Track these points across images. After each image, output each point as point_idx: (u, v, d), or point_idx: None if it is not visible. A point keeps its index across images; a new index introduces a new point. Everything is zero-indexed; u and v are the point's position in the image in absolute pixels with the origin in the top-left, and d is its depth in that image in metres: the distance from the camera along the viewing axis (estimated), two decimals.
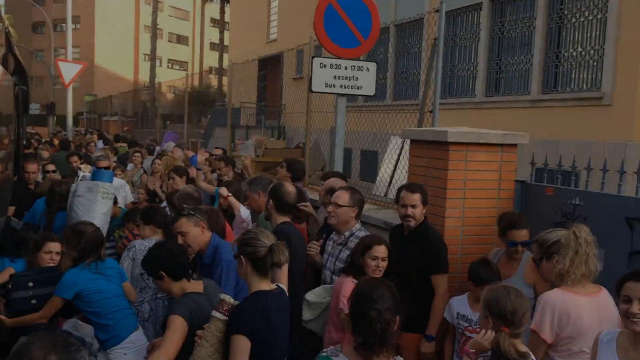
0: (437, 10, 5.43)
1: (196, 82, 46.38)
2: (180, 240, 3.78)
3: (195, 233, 3.82)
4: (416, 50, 15.54)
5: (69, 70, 17.21)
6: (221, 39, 41.23)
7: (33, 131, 20.62)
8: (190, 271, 3.43)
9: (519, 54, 12.15)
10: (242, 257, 3.02)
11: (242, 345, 2.83)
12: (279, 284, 3.17)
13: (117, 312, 3.81)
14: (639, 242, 3.45)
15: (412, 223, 3.93)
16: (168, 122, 28.07)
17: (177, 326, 3.06)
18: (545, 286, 3.36)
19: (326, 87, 5.59)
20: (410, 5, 15.14)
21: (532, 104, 11.55)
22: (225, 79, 33.18)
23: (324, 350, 2.59)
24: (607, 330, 2.68)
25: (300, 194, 5.10)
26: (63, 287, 3.73)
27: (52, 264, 4.14)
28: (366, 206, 4.75)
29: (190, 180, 6.37)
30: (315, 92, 5.74)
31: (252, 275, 3.01)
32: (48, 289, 3.83)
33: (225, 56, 34.33)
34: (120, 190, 6.65)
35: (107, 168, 6.84)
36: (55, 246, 4.20)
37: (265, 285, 3.02)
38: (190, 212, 3.93)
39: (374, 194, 6.72)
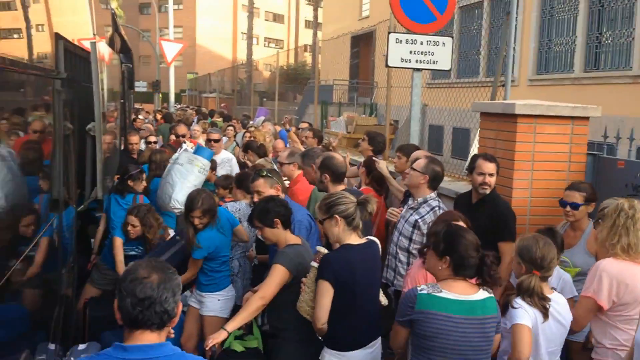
0: None
1: (292, 60, 47.15)
2: (255, 198, 4.23)
3: (270, 194, 4.19)
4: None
5: (170, 50, 18.21)
6: (315, 17, 41.66)
7: (140, 107, 21.98)
8: None
9: (620, 28, 11.63)
10: (335, 216, 3.32)
11: (325, 290, 3.21)
12: (370, 237, 3.52)
13: (225, 264, 4.39)
14: None
15: (488, 191, 4.09)
16: (264, 99, 28.88)
17: (277, 273, 3.42)
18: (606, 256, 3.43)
19: (402, 62, 5.76)
20: None
21: (634, 80, 11.04)
22: (319, 57, 33.69)
23: (416, 288, 2.85)
24: None
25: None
26: (202, 250, 4.23)
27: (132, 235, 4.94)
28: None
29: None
30: (391, 67, 5.92)
31: (343, 231, 3.33)
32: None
33: (319, 34, 34.74)
34: (226, 163, 7.17)
35: (217, 140, 7.38)
36: (133, 220, 4.99)
37: (354, 239, 3.35)
38: (268, 174, 4.32)
39: (464, 171, 6.76)
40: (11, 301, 2.65)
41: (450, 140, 12.70)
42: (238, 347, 3.61)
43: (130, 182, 5.51)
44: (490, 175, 4.05)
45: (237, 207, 4.92)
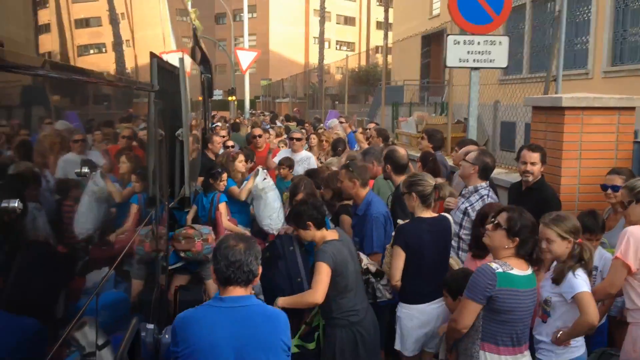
0: None
1: (363, 62, 47.51)
2: (338, 184, 4.82)
3: (347, 185, 4.69)
4: (581, 19, 15.02)
5: (245, 58, 19.04)
6: (386, 18, 41.85)
7: (216, 114, 23.01)
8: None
9: None
10: (412, 194, 3.99)
11: (397, 254, 3.91)
12: (442, 214, 4.18)
13: None
14: None
15: (530, 178, 4.42)
16: (336, 102, 29.37)
17: (323, 271, 3.77)
18: None
19: (460, 62, 6.11)
20: None
21: None
22: (390, 57, 33.90)
23: (490, 266, 3.11)
24: None
25: (435, 162, 5.75)
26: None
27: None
28: (499, 170, 5.26)
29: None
30: (449, 67, 6.27)
31: (418, 207, 3.99)
32: None
33: (390, 34, 34.93)
34: (305, 161, 7.73)
35: (299, 139, 8.01)
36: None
37: (427, 214, 4.00)
38: (350, 168, 4.74)
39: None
40: (120, 283, 3.15)
41: (522, 136, 12.74)
42: (293, 348, 4.06)
43: (211, 181, 6.11)
44: (533, 164, 4.37)
45: None
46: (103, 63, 3.09)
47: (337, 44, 59.65)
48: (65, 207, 2.16)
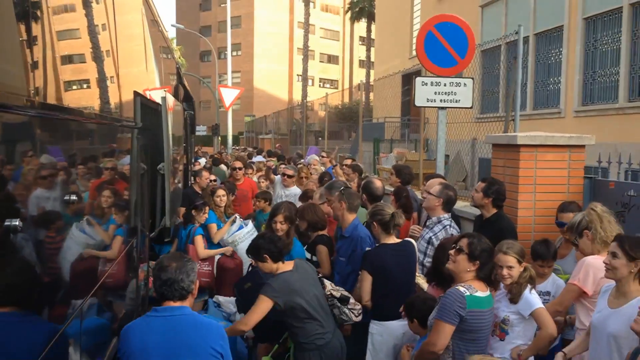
0: (516, 32, 6.11)
1: (346, 99, 48.30)
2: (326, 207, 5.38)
3: (335, 206, 5.13)
4: (553, 60, 15.67)
5: (229, 95, 19.43)
6: (368, 57, 42.82)
7: (199, 149, 23.30)
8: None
9: None
10: (374, 223, 4.45)
11: (364, 277, 4.38)
12: (406, 239, 4.63)
13: None
14: None
15: (471, 203, 4.77)
16: (319, 138, 29.79)
17: (260, 303, 3.93)
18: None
19: (427, 101, 6.50)
20: (550, 14, 15.41)
21: None
22: (372, 95, 34.59)
23: (458, 290, 3.34)
24: (608, 284, 3.36)
25: (407, 197, 6.08)
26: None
27: None
28: (462, 203, 5.58)
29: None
30: (418, 106, 6.65)
31: (381, 234, 4.45)
32: None
33: (372, 72, 35.70)
34: (294, 196, 7.93)
35: (291, 176, 8.35)
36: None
37: (390, 240, 4.45)
38: (343, 194, 5.11)
39: None
40: (102, 306, 3.35)
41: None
42: None
43: (194, 212, 6.35)
44: (476, 191, 4.82)
45: None
46: (88, 100, 3.37)
47: (320, 81, 60.65)
48: (51, 235, 2.39)
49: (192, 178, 9.00)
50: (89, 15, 3.21)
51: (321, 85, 59.32)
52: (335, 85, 60.83)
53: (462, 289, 3.35)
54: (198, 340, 2.90)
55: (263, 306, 3.94)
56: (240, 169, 8.89)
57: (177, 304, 2.95)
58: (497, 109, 17.63)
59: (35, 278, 2.16)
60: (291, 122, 30.51)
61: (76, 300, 2.71)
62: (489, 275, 3.50)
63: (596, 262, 3.71)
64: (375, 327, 4.43)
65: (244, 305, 4.57)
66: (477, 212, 5.91)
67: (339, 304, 4.32)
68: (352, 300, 4.39)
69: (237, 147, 27.77)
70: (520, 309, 3.62)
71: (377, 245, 4.56)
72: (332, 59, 63.08)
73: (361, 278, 4.44)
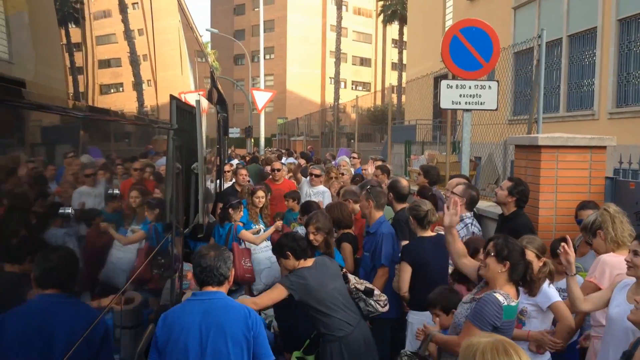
0: (539, 36, 6.20)
1: (378, 102, 48.36)
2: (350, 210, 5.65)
3: (363, 204, 5.41)
4: (587, 62, 15.57)
5: (261, 98, 19.76)
6: (400, 59, 42.81)
7: (232, 150, 23.70)
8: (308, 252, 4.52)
9: None
10: (410, 217, 4.80)
11: (404, 268, 4.69)
12: (439, 233, 4.83)
13: None
14: None
15: (494, 200, 5.06)
16: (352, 140, 29.94)
17: (275, 290, 4.20)
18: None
19: (453, 104, 6.64)
20: (583, 16, 15.31)
21: None
22: (404, 97, 34.64)
23: (497, 299, 3.25)
24: (625, 280, 3.46)
25: (434, 196, 6.23)
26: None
27: None
28: (486, 203, 5.71)
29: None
30: (443, 109, 6.79)
31: (417, 228, 4.79)
32: None
33: (404, 75, 35.72)
34: (320, 195, 8.22)
35: (318, 175, 8.59)
36: None
37: (426, 233, 4.79)
38: (369, 191, 5.36)
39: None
40: (136, 297, 3.61)
41: None
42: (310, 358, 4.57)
43: (230, 211, 6.59)
44: (500, 188, 4.91)
45: None
46: (127, 103, 3.64)
47: (352, 84, 60.80)
48: (99, 228, 2.70)
49: (233, 177, 9.30)
50: (127, 21, 3.47)
51: (353, 88, 59.45)
52: (368, 88, 60.89)
53: (500, 297, 3.26)
54: (229, 322, 3.15)
55: (277, 292, 4.17)
56: (279, 170, 9.11)
57: (215, 289, 3.22)
58: (529, 110, 17.60)
59: (81, 266, 2.40)
60: (323, 125, 30.77)
61: (116, 287, 2.96)
62: (522, 277, 3.40)
63: (612, 260, 3.82)
64: (415, 317, 4.67)
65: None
66: (499, 211, 6.05)
67: (364, 297, 4.49)
68: (376, 292, 4.56)
69: (269, 149, 28.15)
70: (538, 302, 3.75)
71: (415, 238, 4.85)
72: (364, 62, 63.18)
73: (400, 269, 4.73)
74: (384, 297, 4.57)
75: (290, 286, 4.16)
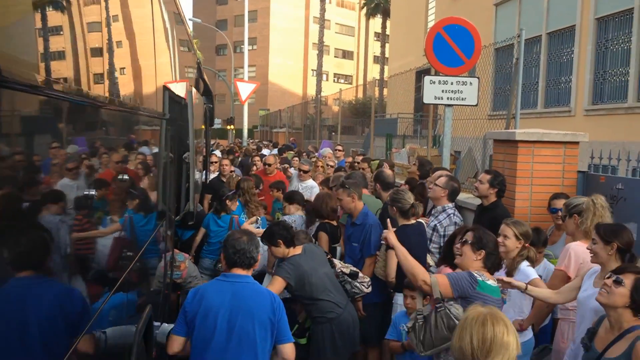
0: (518, 35, 6.47)
1: (360, 95, 48.59)
2: (335, 203, 5.54)
3: (346, 201, 5.45)
4: (565, 59, 15.95)
5: (245, 89, 19.86)
6: (382, 53, 43.06)
7: (215, 142, 23.77)
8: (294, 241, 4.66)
9: None
10: (393, 207, 4.95)
11: (391, 256, 4.75)
12: (419, 220, 5.11)
13: None
14: None
15: (476, 193, 5.28)
16: (333, 133, 30.12)
17: (275, 283, 4.34)
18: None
19: (435, 99, 6.90)
20: (562, 14, 15.66)
21: None
22: (386, 91, 34.90)
23: (473, 273, 3.42)
24: (594, 268, 3.76)
25: (423, 185, 6.47)
26: None
27: None
28: (465, 195, 5.98)
29: None
30: (426, 103, 7.04)
31: (399, 218, 4.93)
32: None
33: (386, 68, 35.98)
34: (308, 190, 8.30)
35: (306, 171, 8.67)
36: None
37: (408, 222, 4.96)
38: (347, 186, 5.48)
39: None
40: (133, 282, 3.74)
41: None
42: (303, 340, 4.74)
43: (228, 202, 6.72)
44: (480, 182, 5.15)
45: (293, 219, 6.13)
46: (120, 92, 3.78)
47: (335, 76, 60.95)
48: (94, 216, 2.78)
49: (218, 169, 9.43)
50: (124, 8, 3.60)
51: (335, 81, 59.63)
52: (350, 81, 61.08)
53: (475, 273, 3.43)
54: (257, 305, 3.38)
55: (277, 285, 4.33)
56: (270, 164, 9.22)
57: (243, 272, 3.44)
58: (508, 106, 17.98)
59: (77, 250, 2.50)
60: (306, 117, 30.92)
61: (122, 264, 3.15)
62: (495, 266, 3.59)
63: (578, 248, 4.09)
64: (400, 298, 4.88)
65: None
66: (478, 202, 6.32)
67: (349, 279, 4.75)
68: (360, 275, 4.82)
69: (252, 140, 28.24)
70: (517, 279, 4.01)
71: (398, 227, 4.90)
72: (347, 55, 63.34)
73: (388, 257, 4.93)
74: (367, 279, 4.85)
75: (286, 276, 4.36)
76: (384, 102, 36.09)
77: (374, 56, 58.21)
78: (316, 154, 14.04)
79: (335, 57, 61.70)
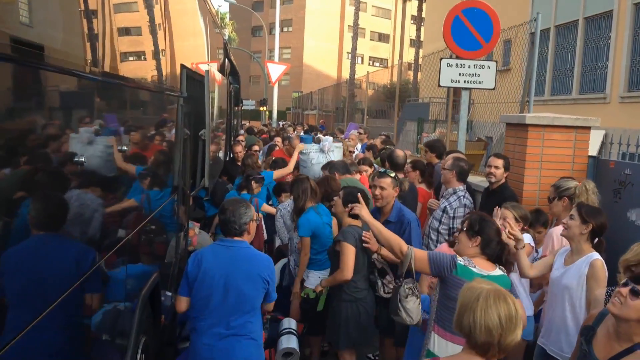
0: (535, 19, 6.41)
1: (395, 79, 48.03)
2: (377, 191, 4.84)
3: (389, 193, 4.86)
4: (602, 44, 15.61)
5: (275, 71, 19.98)
6: (418, 36, 42.56)
7: (245, 123, 24.00)
8: None
9: None
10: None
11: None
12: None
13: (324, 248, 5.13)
14: None
15: (493, 180, 5.18)
16: (367, 117, 30.01)
17: (347, 251, 4.39)
18: None
19: (452, 82, 6.89)
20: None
21: None
22: (419, 75, 34.56)
23: (456, 257, 3.38)
24: (565, 247, 3.83)
25: (431, 165, 6.51)
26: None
27: None
28: (479, 178, 6.00)
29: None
30: (442, 86, 7.05)
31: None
32: None
33: (421, 52, 35.60)
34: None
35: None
36: None
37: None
38: (395, 177, 4.98)
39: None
40: (145, 250, 4.00)
41: None
42: (312, 294, 4.92)
43: (253, 183, 6.81)
44: (496, 167, 5.14)
45: (286, 204, 6.19)
46: (139, 71, 3.95)
47: (370, 59, 60.51)
48: (114, 186, 3.11)
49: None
50: None
51: (371, 64, 59.19)
52: (385, 64, 60.56)
53: (462, 258, 3.39)
54: (251, 269, 3.60)
55: (351, 252, 4.39)
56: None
57: (238, 238, 3.64)
58: (542, 91, 17.71)
59: (90, 215, 2.71)
60: (338, 99, 30.92)
61: (123, 234, 3.32)
62: (497, 254, 3.45)
63: (558, 232, 4.13)
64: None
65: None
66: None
67: (376, 274, 4.65)
68: (388, 278, 4.64)
69: (284, 122, 28.43)
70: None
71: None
72: (382, 38, 62.78)
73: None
74: (392, 285, 4.52)
75: (353, 243, 4.40)
76: (418, 87, 35.77)
77: (410, 40, 57.53)
78: (342, 136, 14.11)
79: (370, 40, 61.21)
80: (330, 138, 7.30)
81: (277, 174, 7.44)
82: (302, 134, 15.46)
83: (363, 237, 4.44)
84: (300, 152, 7.64)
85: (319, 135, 10.75)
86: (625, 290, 2.62)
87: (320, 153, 7.45)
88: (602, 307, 3.02)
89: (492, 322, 2.26)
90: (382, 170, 5.49)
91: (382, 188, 4.79)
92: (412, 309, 3.52)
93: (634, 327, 2.63)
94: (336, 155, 7.43)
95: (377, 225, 3.87)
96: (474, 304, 2.32)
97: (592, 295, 3.37)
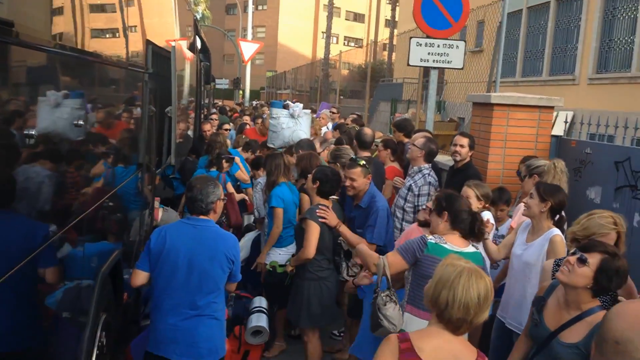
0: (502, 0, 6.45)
1: (370, 59, 47.95)
2: (348, 183, 4.74)
3: (362, 182, 4.74)
4: (573, 26, 15.76)
5: (248, 49, 19.80)
6: (393, 16, 42.47)
7: (217, 102, 23.79)
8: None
9: None
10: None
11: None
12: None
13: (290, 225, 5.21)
14: (622, 180, 4.42)
15: (458, 158, 5.25)
16: (341, 97, 29.93)
17: (312, 229, 4.38)
18: None
19: (421, 61, 6.91)
20: None
21: None
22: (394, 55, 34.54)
23: (426, 236, 3.42)
24: (526, 221, 3.88)
25: (402, 144, 6.52)
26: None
27: None
28: (446, 157, 6.05)
29: None
30: (411, 65, 7.06)
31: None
32: None
33: (396, 32, 35.56)
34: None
35: None
36: None
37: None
38: (365, 165, 4.80)
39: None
40: (105, 227, 3.97)
41: None
42: (279, 268, 4.96)
43: (224, 162, 6.79)
44: (461, 146, 5.19)
45: (259, 181, 6.21)
46: (104, 46, 3.88)
47: (345, 39, 60.21)
48: (73, 161, 3.04)
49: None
50: None
51: (346, 44, 58.91)
52: (360, 44, 60.34)
53: (430, 236, 3.43)
54: (216, 247, 3.55)
55: (315, 230, 4.39)
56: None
57: (204, 217, 3.59)
58: (513, 73, 17.88)
59: (50, 189, 2.70)
60: (312, 79, 30.78)
61: (80, 209, 3.27)
62: (469, 228, 3.48)
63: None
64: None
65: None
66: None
67: (342, 255, 4.66)
68: (353, 261, 4.62)
69: (257, 102, 28.24)
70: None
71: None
72: (357, 17, 62.46)
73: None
74: (356, 269, 4.54)
75: (319, 222, 4.41)
76: (392, 67, 35.76)
77: (385, 20, 57.35)
78: (314, 115, 14.08)
79: (346, 19, 60.85)
80: (300, 104, 7.19)
81: (239, 176, 7.33)
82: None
83: (318, 213, 4.43)
84: (271, 117, 7.53)
85: (288, 101, 10.76)
86: (573, 259, 2.72)
87: (290, 118, 7.37)
88: (549, 277, 3.10)
89: (471, 301, 2.28)
90: (352, 157, 5.27)
91: (352, 179, 4.73)
92: (392, 315, 3.44)
93: (581, 294, 2.71)
94: (305, 121, 7.32)
95: (351, 239, 4.04)
96: (455, 280, 2.32)
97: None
